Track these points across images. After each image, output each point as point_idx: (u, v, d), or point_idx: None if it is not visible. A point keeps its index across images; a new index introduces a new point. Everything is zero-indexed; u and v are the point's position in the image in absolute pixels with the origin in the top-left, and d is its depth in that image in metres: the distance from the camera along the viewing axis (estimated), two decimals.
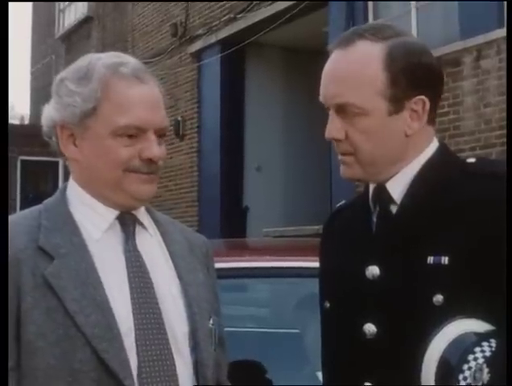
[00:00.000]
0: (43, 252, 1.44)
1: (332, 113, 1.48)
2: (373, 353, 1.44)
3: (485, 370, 1.22)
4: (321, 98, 1.51)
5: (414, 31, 8.36)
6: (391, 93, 1.44)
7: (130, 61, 1.54)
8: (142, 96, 1.50)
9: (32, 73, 20.76)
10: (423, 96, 1.46)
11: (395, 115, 1.45)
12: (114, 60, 1.53)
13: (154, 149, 1.50)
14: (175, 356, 1.49)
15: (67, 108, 1.50)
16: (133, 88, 1.50)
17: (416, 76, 1.45)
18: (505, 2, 6.15)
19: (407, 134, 1.47)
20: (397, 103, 1.45)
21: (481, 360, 1.23)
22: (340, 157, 1.51)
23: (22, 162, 17.35)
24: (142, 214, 1.58)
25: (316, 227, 8.49)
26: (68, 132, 1.52)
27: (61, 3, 18.71)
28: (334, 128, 1.48)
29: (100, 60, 1.53)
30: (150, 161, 1.50)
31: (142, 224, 1.57)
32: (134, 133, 1.48)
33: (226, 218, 11.54)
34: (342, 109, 1.46)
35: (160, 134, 1.53)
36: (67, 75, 1.53)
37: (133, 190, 1.50)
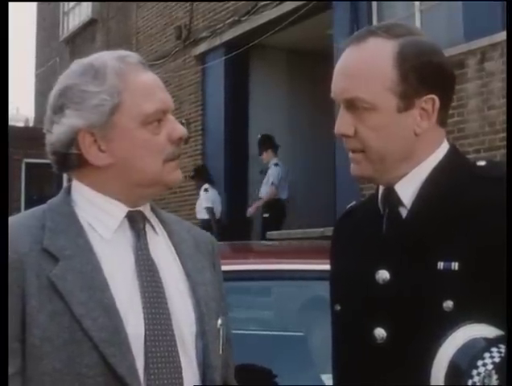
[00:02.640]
0: (47, 254, 1.41)
1: (341, 109, 1.47)
2: (383, 358, 1.43)
3: (494, 376, 1.22)
4: (332, 94, 1.50)
5: None
6: (401, 90, 1.43)
7: (129, 53, 1.56)
8: (154, 80, 1.53)
9: (37, 76, 20.80)
10: (433, 95, 1.45)
11: (405, 112, 1.44)
12: (118, 53, 1.54)
13: (179, 127, 1.52)
14: (181, 358, 1.47)
15: (93, 109, 1.47)
16: (145, 74, 1.52)
17: (426, 75, 1.44)
18: (506, 4, 6.13)
19: (417, 133, 1.46)
20: (406, 100, 1.44)
21: (490, 366, 1.23)
22: (350, 154, 1.50)
23: (27, 164, 17.38)
24: (148, 213, 1.57)
25: (321, 229, 8.49)
26: (91, 138, 1.48)
27: (65, 6, 18.75)
28: (343, 124, 1.47)
29: (104, 56, 1.53)
30: (180, 140, 1.52)
31: (149, 222, 1.56)
32: (161, 118, 1.49)
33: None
34: (352, 105, 1.45)
35: None
36: (75, 82, 1.50)
37: (171, 179, 1.53)
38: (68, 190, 1.55)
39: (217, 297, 1.61)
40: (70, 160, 1.51)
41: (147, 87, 1.50)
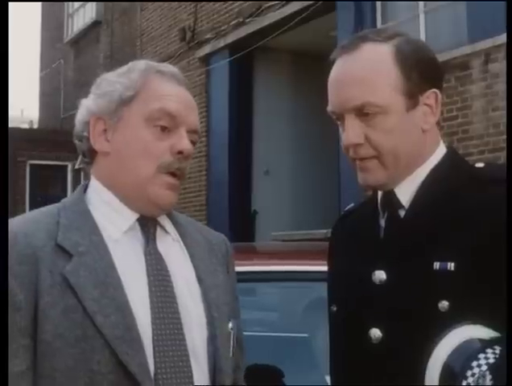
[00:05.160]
0: (61, 250, 1.41)
1: (348, 118, 1.46)
2: (378, 358, 1.43)
3: (488, 377, 1.21)
4: (335, 106, 1.49)
5: (422, 35, 8.35)
6: (407, 88, 1.44)
7: (169, 66, 1.60)
8: (178, 93, 1.54)
9: (41, 77, 20.83)
10: (435, 89, 1.47)
11: (412, 110, 1.45)
12: (157, 64, 1.59)
13: (185, 142, 1.51)
14: (192, 366, 1.46)
15: (105, 95, 1.53)
16: (171, 86, 1.54)
17: (426, 70, 1.47)
18: (506, 4, 6.11)
19: (424, 129, 1.47)
20: (412, 98, 1.45)
21: (484, 367, 1.22)
22: (359, 163, 1.48)
23: (31, 165, 17.41)
24: (161, 217, 1.57)
25: (324, 231, 8.49)
26: (101, 126, 1.52)
27: (70, 8, 18.78)
28: (353, 133, 1.45)
29: (142, 61, 1.59)
30: (181, 155, 1.50)
31: (162, 227, 1.56)
32: (167, 124, 1.50)
33: (234, 222, 11.55)
34: (360, 112, 1.44)
35: (191, 139, 1.54)
36: (109, 74, 1.58)
37: (159, 195, 1.49)
38: (84, 189, 1.57)
39: (229, 300, 1.61)
40: (84, 145, 1.56)
41: (165, 93, 1.52)
